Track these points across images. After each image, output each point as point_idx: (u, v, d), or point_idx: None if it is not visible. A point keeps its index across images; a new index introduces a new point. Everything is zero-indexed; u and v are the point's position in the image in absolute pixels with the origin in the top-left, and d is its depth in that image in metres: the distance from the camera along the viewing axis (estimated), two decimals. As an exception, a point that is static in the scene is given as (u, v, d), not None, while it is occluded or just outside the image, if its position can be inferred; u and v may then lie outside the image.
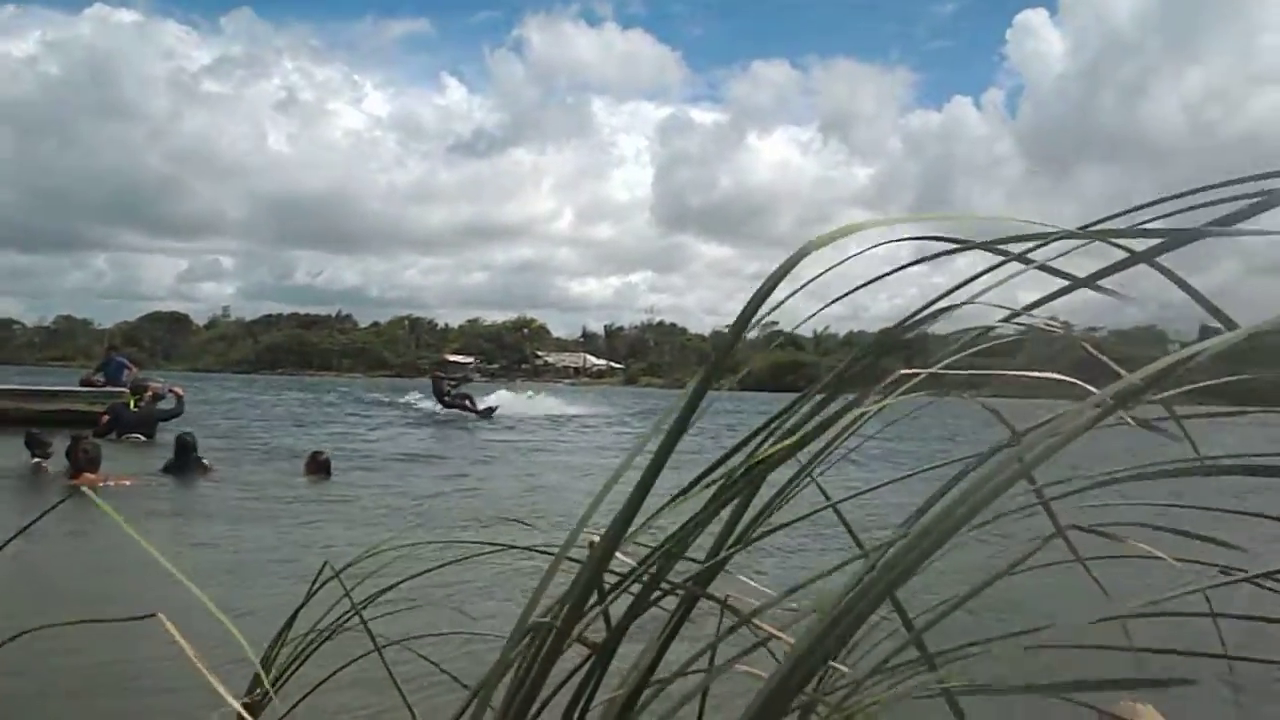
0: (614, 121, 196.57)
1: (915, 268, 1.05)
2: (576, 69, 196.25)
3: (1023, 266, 0.96)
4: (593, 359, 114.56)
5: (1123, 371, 0.86)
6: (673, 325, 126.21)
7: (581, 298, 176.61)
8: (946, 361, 1.06)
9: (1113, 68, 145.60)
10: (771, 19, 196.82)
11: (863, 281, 1.12)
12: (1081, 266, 0.96)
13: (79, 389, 17.78)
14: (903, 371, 1.07)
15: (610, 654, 1.12)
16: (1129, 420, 0.91)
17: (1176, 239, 0.86)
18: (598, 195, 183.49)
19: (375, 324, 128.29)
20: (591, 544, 1.07)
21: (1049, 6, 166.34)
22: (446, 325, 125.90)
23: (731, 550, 1.14)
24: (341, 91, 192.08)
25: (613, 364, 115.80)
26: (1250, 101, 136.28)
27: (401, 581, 1.65)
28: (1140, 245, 0.89)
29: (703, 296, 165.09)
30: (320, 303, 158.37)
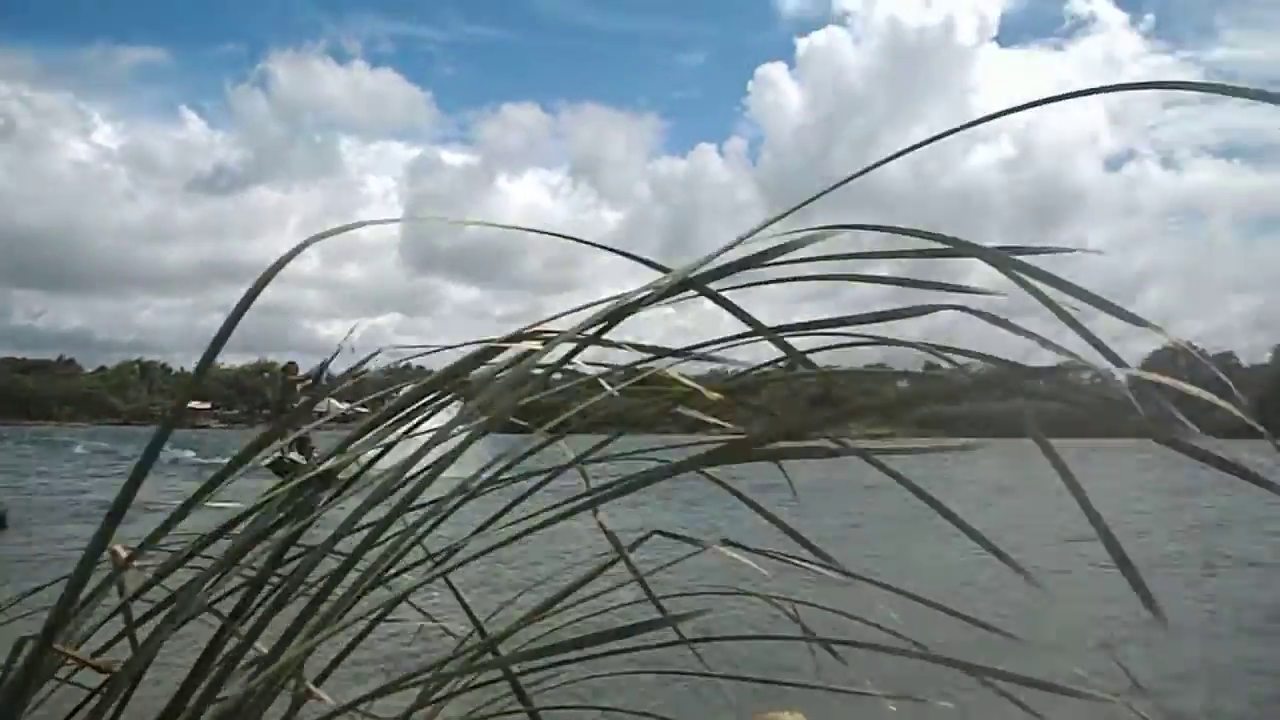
0: (362, 161, 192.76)
1: (666, 309, 1.06)
2: (324, 106, 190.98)
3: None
4: (336, 403, 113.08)
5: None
6: (420, 368, 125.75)
7: (327, 340, 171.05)
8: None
9: (846, 121, 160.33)
10: (523, 62, 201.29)
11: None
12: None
13: None
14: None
15: (137, 678, 1.06)
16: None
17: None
18: (345, 235, 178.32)
19: (102, 369, 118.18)
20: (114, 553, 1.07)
21: (788, 61, 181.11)
22: (182, 369, 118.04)
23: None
24: (67, 121, 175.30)
25: (357, 408, 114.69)
26: (964, 157, 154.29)
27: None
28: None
29: (452, 339, 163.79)
30: (41, 346, 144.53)
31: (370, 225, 1.13)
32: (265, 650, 1.02)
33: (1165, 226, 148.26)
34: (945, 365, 0.90)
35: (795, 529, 1.15)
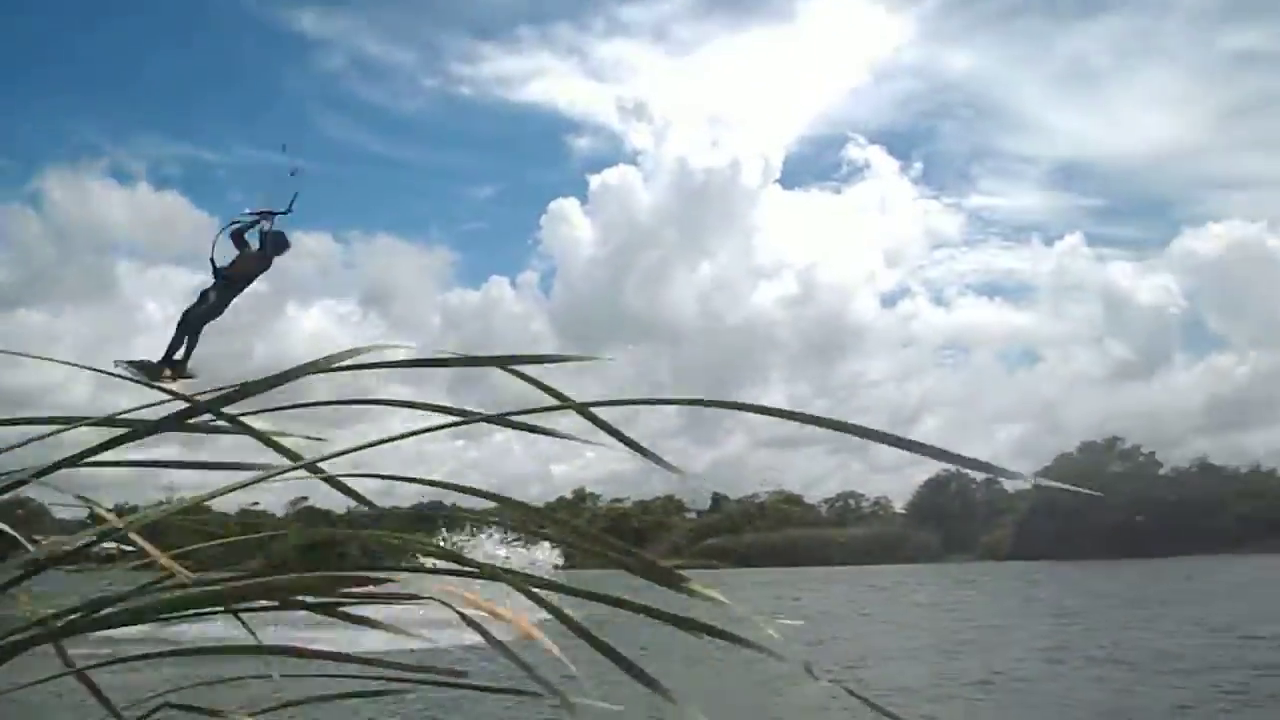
0: (142, 285, 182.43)
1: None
2: (102, 228, 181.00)
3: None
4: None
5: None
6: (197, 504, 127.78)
7: (92, 477, 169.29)
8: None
9: (636, 255, 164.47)
10: (316, 191, 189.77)
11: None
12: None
13: None
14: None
15: None
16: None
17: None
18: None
19: None
20: None
21: (580, 196, 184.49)
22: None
23: None
24: None
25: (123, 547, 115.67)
26: (750, 293, 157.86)
27: None
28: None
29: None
30: None
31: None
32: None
33: (939, 359, 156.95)
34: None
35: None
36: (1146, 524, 73.56)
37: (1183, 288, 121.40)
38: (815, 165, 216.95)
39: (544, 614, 1.24)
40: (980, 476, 77.76)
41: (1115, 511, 72.55)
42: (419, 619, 1.43)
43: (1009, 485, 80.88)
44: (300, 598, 1.43)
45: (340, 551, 2.16)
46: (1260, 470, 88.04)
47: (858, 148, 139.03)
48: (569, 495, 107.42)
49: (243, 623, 1.56)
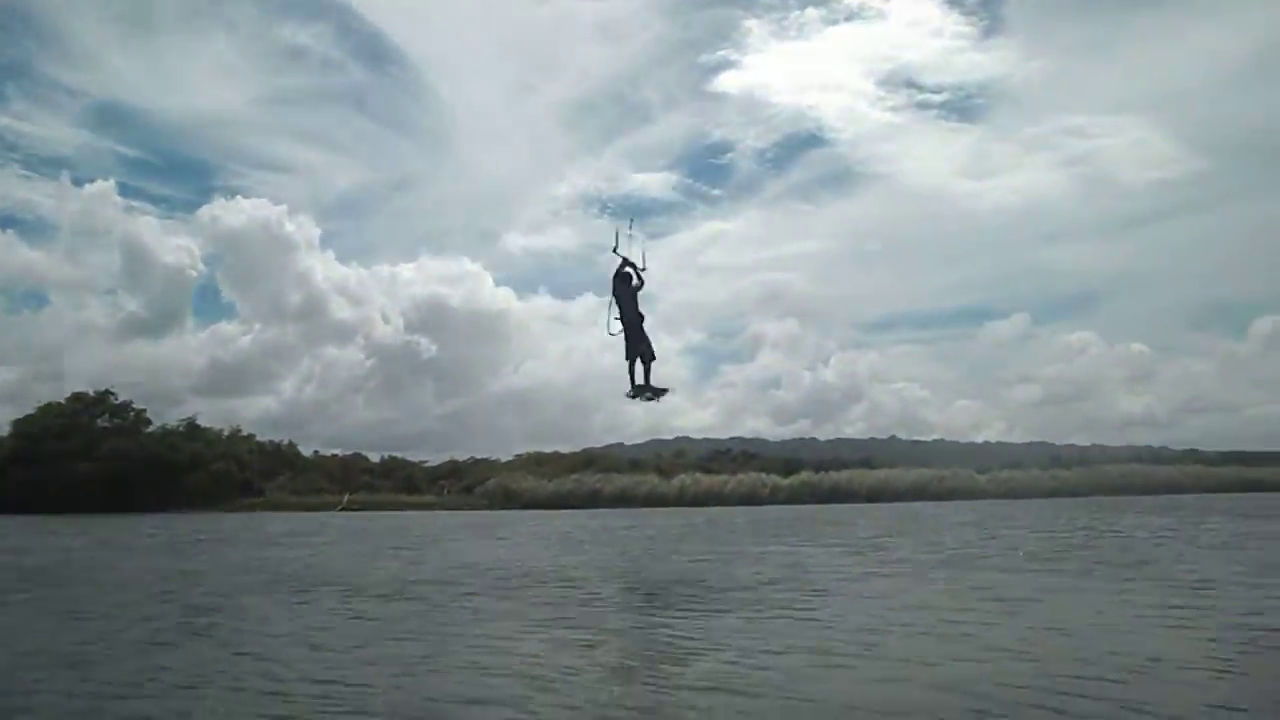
0: None
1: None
2: None
3: None
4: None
5: None
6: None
7: None
8: None
9: None
10: None
11: None
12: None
13: None
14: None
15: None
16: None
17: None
18: None
19: None
20: None
21: None
22: None
23: None
24: None
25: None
26: None
27: None
28: None
29: None
30: None
31: None
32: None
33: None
34: None
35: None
36: (132, 479, 76.28)
37: (205, 253, 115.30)
38: None
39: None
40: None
41: (99, 465, 75.41)
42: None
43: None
44: None
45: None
46: (240, 434, 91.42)
47: None
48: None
49: None
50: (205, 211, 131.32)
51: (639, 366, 18.11)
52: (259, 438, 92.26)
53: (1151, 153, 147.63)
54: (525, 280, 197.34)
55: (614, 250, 17.45)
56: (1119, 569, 16.68)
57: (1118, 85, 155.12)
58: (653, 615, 12.99)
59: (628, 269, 17.46)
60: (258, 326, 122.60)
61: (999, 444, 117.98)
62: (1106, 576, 15.66)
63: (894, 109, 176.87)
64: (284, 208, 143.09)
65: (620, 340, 17.84)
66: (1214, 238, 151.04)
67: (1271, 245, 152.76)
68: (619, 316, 17.64)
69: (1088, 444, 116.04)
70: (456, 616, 12.94)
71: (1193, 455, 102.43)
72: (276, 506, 78.09)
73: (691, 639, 10.36)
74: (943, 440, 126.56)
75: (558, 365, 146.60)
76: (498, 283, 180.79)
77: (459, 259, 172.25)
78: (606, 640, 10.80)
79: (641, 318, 17.72)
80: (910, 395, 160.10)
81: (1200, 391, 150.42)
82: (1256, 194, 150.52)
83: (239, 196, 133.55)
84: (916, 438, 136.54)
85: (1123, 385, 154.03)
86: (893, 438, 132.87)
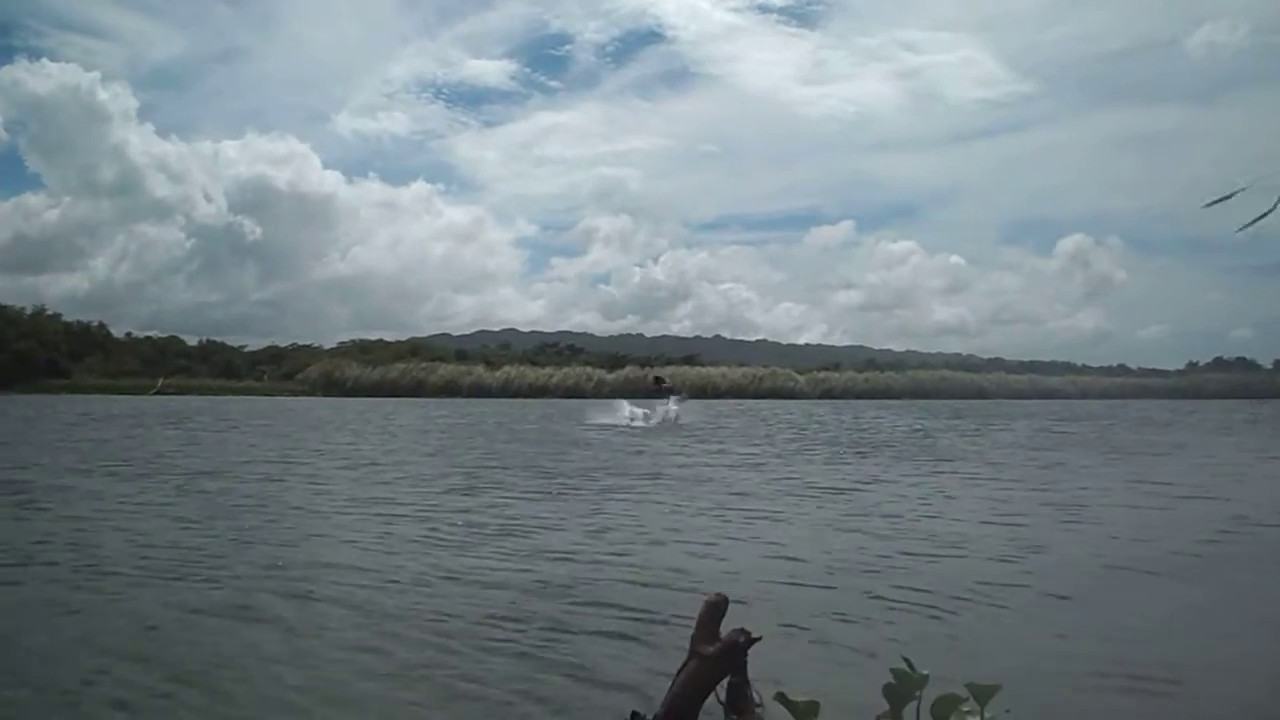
0: None
1: None
2: None
3: None
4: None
5: None
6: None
7: None
8: None
9: None
10: None
11: None
12: None
13: None
14: None
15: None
16: None
17: None
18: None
19: None
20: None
21: None
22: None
23: None
24: None
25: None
26: None
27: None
28: None
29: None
30: None
31: None
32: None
33: None
34: None
35: None
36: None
37: (6, 119, 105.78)
38: None
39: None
40: None
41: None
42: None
43: None
44: None
45: None
46: (45, 312, 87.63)
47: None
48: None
49: None
50: (6, 73, 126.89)
51: None
52: (65, 318, 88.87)
53: (979, 72, 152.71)
54: (355, 164, 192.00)
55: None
56: (924, 461, 17.84)
57: (951, 4, 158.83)
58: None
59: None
60: (67, 200, 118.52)
61: (819, 346, 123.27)
62: (910, 467, 16.69)
63: (735, 10, 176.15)
64: (96, 75, 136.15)
65: None
66: (1031, 158, 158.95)
67: (1083, 169, 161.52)
68: None
69: (903, 350, 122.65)
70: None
71: (998, 364, 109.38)
72: (82, 390, 75.34)
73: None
74: (765, 340, 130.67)
75: (386, 253, 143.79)
76: (326, 165, 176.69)
77: (286, 139, 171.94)
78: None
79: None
80: (737, 296, 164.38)
81: (1008, 303, 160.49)
82: (1072, 119, 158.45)
83: (44, 60, 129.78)
84: (740, 337, 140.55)
85: (939, 295, 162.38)
86: (717, 337, 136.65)
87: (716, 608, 3.08)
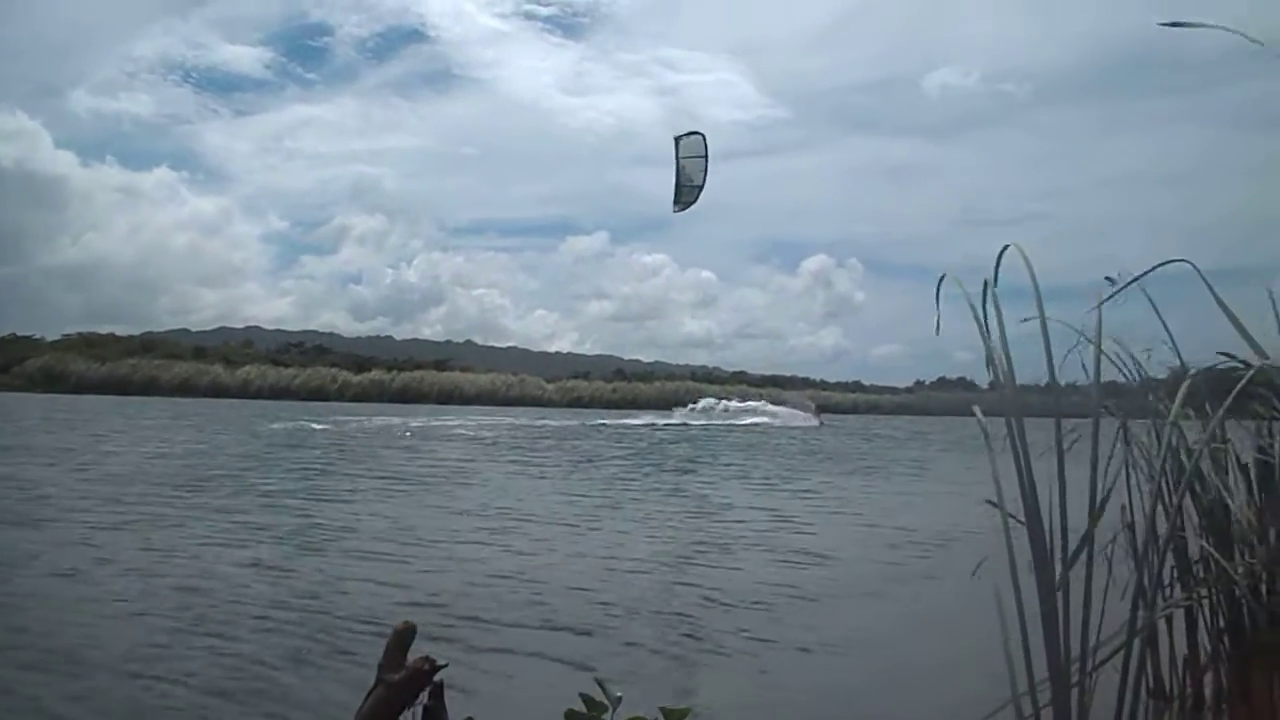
0: None
1: None
2: None
3: None
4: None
5: None
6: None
7: None
8: None
9: None
10: None
11: None
12: None
13: None
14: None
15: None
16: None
17: None
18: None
19: None
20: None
21: None
22: None
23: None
24: None
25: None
26: None
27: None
28: None
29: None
30: None
31: None
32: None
33: None
34: None
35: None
36: None
37: None
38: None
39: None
40: None
41: None
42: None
43: None
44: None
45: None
46: None
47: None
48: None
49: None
50: None
51: None
52: None
53: (735, 94, 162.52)
54: (91, 145, 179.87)
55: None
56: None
57: (711, 27, 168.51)
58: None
59: None
60: None
61: (570, 354, 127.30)
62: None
63: (501, 15, 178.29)
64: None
65: None
66: (782, 180, 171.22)
67: (830, 193, 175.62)
68: None
69: (651, 360, 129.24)
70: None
71: (740, 376, 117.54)
72: None
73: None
74: (517, 348, 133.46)
75: (123, 241, 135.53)
76: (58, 144, 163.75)
77: (14, 113, 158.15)
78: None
79: None
80: (491, 301, 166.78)
81: (754, 319, 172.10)
82: (822, 146, 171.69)
83: None
84: (493, 343, 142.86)
85: (688, 308, 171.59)
86: (469, 342, 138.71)
87: (403, 636, 3.12)
